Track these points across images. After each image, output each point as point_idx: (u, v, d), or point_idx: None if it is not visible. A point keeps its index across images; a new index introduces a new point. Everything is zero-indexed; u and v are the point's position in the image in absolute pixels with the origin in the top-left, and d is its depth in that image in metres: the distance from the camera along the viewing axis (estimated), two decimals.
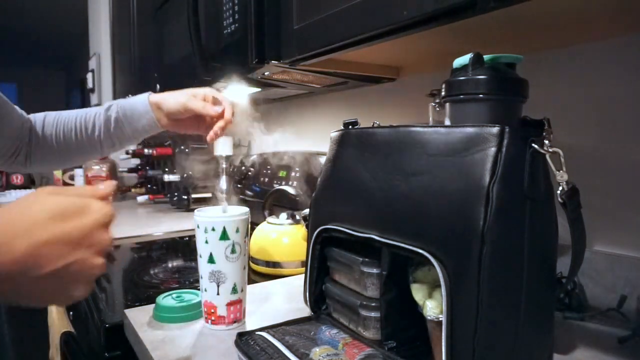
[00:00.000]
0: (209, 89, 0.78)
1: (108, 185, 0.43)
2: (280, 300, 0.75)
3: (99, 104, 2.62)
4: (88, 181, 2.04)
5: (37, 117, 0.80)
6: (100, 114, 0.79)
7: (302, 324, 0.62)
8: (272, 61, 0.87)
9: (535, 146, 0.44)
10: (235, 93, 1.30)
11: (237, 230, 0.62)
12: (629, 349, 0.57)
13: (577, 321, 0.66)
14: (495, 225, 0.41)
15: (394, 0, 0.59)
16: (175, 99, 0.75)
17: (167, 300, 0.68)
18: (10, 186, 2.25)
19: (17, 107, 0.78)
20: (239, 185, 1.51)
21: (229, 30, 0.97)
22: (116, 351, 0.71)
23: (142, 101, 0.77)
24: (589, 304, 0.69)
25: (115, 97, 2.30)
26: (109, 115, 0.78)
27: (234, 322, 0.63)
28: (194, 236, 0.64)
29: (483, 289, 0.41)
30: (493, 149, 0.42)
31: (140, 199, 1.84)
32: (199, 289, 0.66)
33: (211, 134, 0.73)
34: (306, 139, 1.42)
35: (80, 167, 2.24)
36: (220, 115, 0.74)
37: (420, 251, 0.45)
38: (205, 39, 1.08)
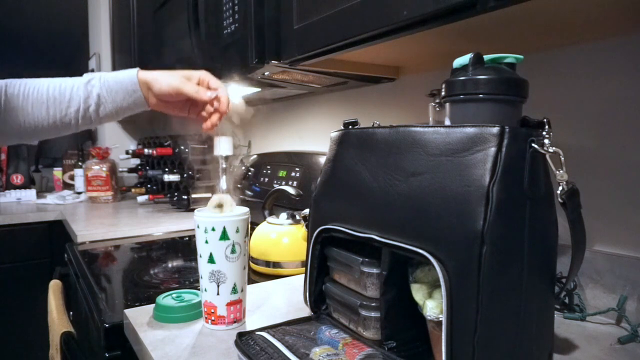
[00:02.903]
0: (205, 72, 0.74)
1: None
2: (280, 300, 0.75)
3: None
4: (88, 181, 2.04)
5: None
6: (79, 88, 0.70)
7: (302, 324, 0.62)
8: (272, 61, 0.87)
9: (535, 146, 0.44)
10: (235, 93, 1.30)
11: (237, 230, 0.62)
12: (629, 349, 0.57)
13: (577, 321, 0.66)
14: (495, 225, 0.41)
15: (394, 0, 0.59)
16: (167, 81, 0.70)
17: (167, 300, 0.68)
18: (10, 186, 2.25)
19: None
20: (239, 185, 1.51)
21: (229, 30, 0.97)
22: (116, 351, 0.71)
23: (130, 78, 0.71)
24: (589, 304, 0.69)
25: None
26: (90, 90, 0.70)
27: (234, 322, 0.63)
28: (194, 236, 0.64)
29: (483, 289, 0.41)
30: (493, 149, 0.42)
31: (140, 199, 1.84)
32: (199, 289, 0.66)
33: (208, 124, 0.70)
34: (306, 139, 1.42)
35: (80, 167, 2.24)
36: (214, 102, 0.70)
37: (420, 251, 0.45)
38: (205, 39, 1.08)
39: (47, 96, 0.68)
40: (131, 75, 0.71)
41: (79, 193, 2.22)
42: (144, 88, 0.71)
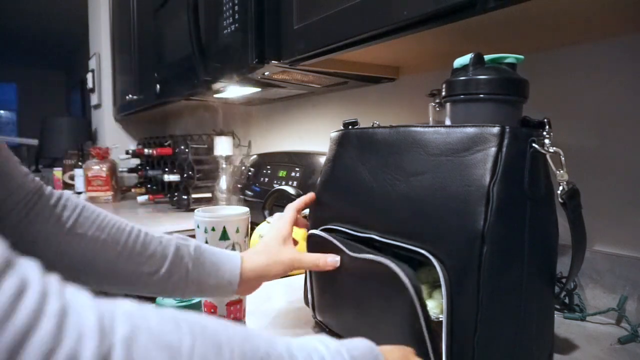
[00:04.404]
0: None
1: None
2: (280, 300, 0.75)
3: (98, 104, 2.60)
4: (88, 181, 2.04)
5: (70, 198, 0.52)
6: (165, 248, 0.56)
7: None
8: (272, 61, 0.87)
9: (536, 146, 0.44)
10: (235, 93, 1.30)
11: (237, 230, 0.62)
12: (629, 349, 0.57)
13: (577, 321, 0.66)
14: (495, 225, 0.41)
15: (394, 0, 0.59)
16: (279, 262, 0.57)
17: (167, 300, 0.68)
18: None
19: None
20: (239, 185, 1.51)
21: (229, 30, 0.97)
22: None
23: (229, 275, 0.54)
24: (589, 304, 0.69)
25: (115, 97, 2.29)
26: (180, 257, 0.55)
27: (234, 322, 0.63)
28: (194, 236, 0.64)
29: (483, 289, 0.41)
30: (493, 149, 0.42)
31: (140, 199, 1.83)
32: None
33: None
34: (306, 139, 1.42)
35: (80, 167, 2.24)
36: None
37: (420, 251, 0.45)
38: (205, 39, 1.08)
39: (124, 240, 0.55)
40: (232, 271, 0.54)
41: (79, 193, 2.21)
42: (251, 281, 0.56)
